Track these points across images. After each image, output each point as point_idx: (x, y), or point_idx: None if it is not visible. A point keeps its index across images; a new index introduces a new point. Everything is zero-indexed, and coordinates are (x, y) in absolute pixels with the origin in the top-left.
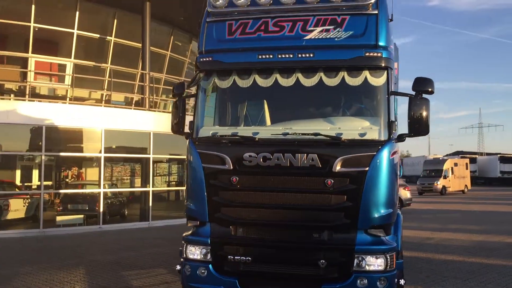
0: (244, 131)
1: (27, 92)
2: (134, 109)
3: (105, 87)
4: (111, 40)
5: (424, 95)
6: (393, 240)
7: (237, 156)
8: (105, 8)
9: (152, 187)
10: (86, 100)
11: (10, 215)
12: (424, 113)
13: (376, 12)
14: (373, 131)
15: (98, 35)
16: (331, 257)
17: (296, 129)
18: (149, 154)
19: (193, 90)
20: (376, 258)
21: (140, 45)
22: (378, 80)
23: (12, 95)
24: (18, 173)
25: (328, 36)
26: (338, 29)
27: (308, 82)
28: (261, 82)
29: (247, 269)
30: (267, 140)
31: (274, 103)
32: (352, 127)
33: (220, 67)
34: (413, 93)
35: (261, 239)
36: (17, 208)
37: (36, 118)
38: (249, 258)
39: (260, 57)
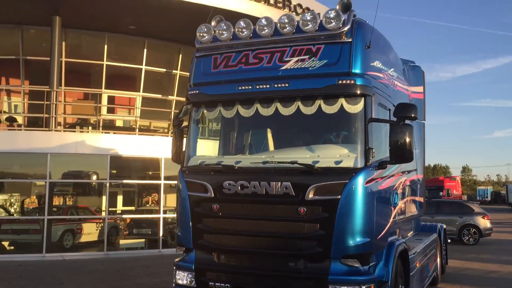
0: (229, 160)
1: (100, 125)
2: None
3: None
4: (176, 73)
5: (407, 121)
6: (382, 271)
7: (218, 184)
8: (170, 44)
9: None
10: (153, 131)
11: (83, 238)
12: (407, 140)
13: (351, 40)
14: (350, 159)
15: (165, 70)
16: (305, 286)
17: (276, 158)
18: None
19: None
20: None
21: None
22: (354, 108)
23: (90, 128)
24: (91, 199)
25: (303, 66)
26: (313, 58)
27: (286, 111)
28: (243, 112)
29: None
30: (246, 169)
31: (258, 133)
32: (330, 155)
33: (205, 99)
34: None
35: (239, 266)
36: (89, 232)
37: (102, 148)
38: (228, 285)
39: (240, 88)
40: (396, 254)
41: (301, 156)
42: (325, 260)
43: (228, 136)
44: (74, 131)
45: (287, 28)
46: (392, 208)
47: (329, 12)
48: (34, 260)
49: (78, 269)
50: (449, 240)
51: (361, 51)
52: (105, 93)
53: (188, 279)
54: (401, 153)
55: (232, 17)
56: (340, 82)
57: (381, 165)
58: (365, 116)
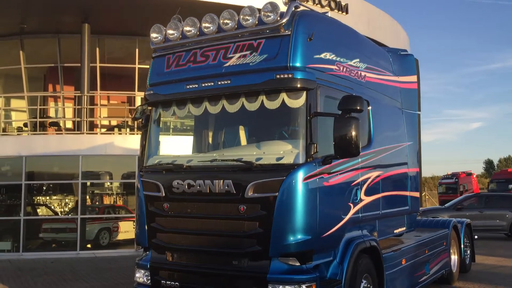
0: (183, 158)
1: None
2: None
3: None
4: None
5: (353, 114)
6: (336, 269)
7: (169, 183)
8: None
9: None
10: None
11: (120, 236)
12: (352, 133)
13: (290, 32)
14: (291, 155)
15: None
16: (247, 284)
17: (223, 156)
18: None
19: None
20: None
21: None
22: (296, 102)
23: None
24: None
25: (244, 62)
26: (254, 53)
27: (232, 108)
28: (194, 111)
29: None
30: (193, 167)
31: (212, 131)
32: (274, 151)
33: (158, 99)
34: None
35: (188, 265)
36: (126, 230)
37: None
38: (177, 284)
39: (187, 87)
40: (355, 251)
41: (249, 153)
42: (264, 259)
43: (185, 134)
44: (112, 133)
45: (229, 24)
46: (351, 204)
47: (267, 5)
48: (68, 258)
49: (103, 266)
50: (476, 236)
51: (301, 43)
52: (138, 96)
53: (145, 278)
54: (345, 148)
55: None
56: (278, 76)
57: (326, 160)
58: (308, 111)
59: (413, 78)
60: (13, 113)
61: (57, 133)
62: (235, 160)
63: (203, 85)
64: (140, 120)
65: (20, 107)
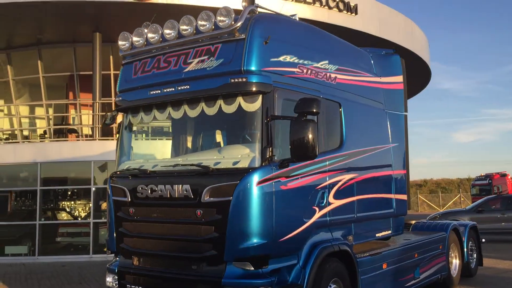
0: (149, 163)
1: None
2: None
3: None
4: None
5: (309, 116)
6: (298, 274)
7: (134, 188)
8: None
9: None
10: None
11: None
12: (309, 136)
13: (244, 36)
14: (246, 159)
15: None
16: None
17: (186, 160)
18: None
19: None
20: None
21: None
22: (252, 106)
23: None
24: None
25: (202, 67)
26: (211, 58)
27: (193, 113)
28: (159, 116)
29: None
30: (156, 173)
31: (178, 136)
32: (233, 155)
33: (125, 105)
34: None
35: (151, 270)
36: None
37: None
38: None
39: (151, 93)
40: (319, 256)
41: (210, 157)
42: (221, 263)
43: (155, 139)
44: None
45: (188, 30)
46: (316, 207)
47: (221, 9)
48: (81, 261)
49: None
50: (483, 240)
51: (256, 47)
52: None
53: (114, 283)
54: (302, 151)
55: None
56: (232, 80)
57: (283, 164)
58: (264, 114)
59: (398, 78)
60: (37, 121)
61: (76, 140)
62: (193, 165)
63: (165, 90)
64: (111, 126)
65: (40, 115)
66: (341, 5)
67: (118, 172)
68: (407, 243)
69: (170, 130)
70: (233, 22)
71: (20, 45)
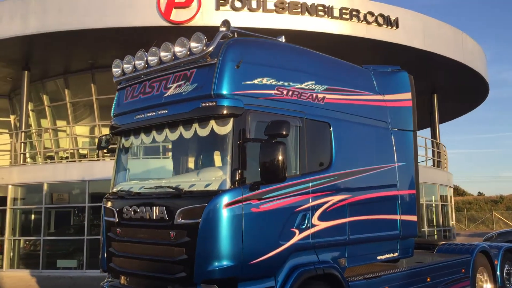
0: (136, 185)
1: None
2: None
3: None
4: None
5: (279, 139)
6: None
7: (121, 209)
8: None
9: None
10: None
11: None
12: (278, 158)
13: (215, 61)
14: (218, 181)
15: None
16: None
17: (167, 183)
18: None
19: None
20: None
21: None
22: (224, 129)
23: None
24: None
25: (179, 91)
26: (187, 83)
27: (173, 136)
28: (145, 139)
29: None
30: (141, 194)
31: (161, 158)
32: (208, 178)
33: (116, 130)
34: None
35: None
36: None
37: None
38: None
39: (136, 117)
40: (298, 279)
41: (188, 180)
42: (192, 285)
43: (143, 162)
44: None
45: (167, 56)
46: (295, 230)
47: (194, 35)
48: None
49: None
50: None
51: (227, 71)
52: None
53: None
54: (270, 173)
55: (306, 36)
56: (203, 104)
57: (253, 186)
58: (235, 137)
59: (406, 95)
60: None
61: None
62: (169, 187)
63: (147, 115)
64: (105, 149)
65: (93, 135)
66: (380, 20)
67: (111, 193)
68: (416, 266)
69: (152, 153)
70: (204, 48)
71: (75, 70)
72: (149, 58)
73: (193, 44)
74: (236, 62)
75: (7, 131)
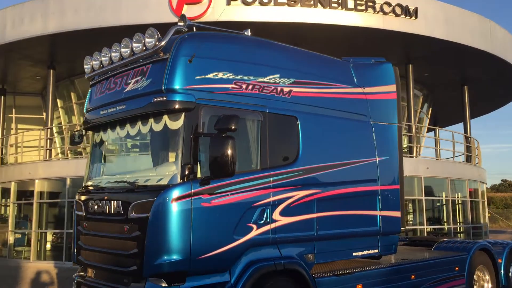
0: (104, 180)
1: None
2: None
3: None
4: None
5: (228, 133)
6: None
7: (87, 203)
8: None
9: None
10: None
11: None
12: (226, 153)
13: (168, 56)
14: (168, 176)
15: None
16: None
17: (123, 178)
18: None
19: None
20: None
21: None
22: (175, 124)
23: None
24: None
25: (136, 87)
26: (143, 78)
27: (133, 131)
28: (111, 134)
29: None
30: (103, 189)
31: (125, 153)
32: (162, 173)
33: (85, 125)
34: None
35: (97, 282)
36: None
37: None
38: None
39: (101, 113)
40: (253, 274)
41: (146, 175)
42: (143, 279)
43: (113, 157)
44: None
45: (127, 51)
46: (253, 225)
47: (148, 30)
48: None
49: None
50: None
51: (179, 66)
52: None
53: None
54: (219, 167)
55: (319, 29)
56: (155, 100)
57: (204, 181)
58: (186, 131)
59: (390, 88)
60: None
61: None
62: (125, 182)
63: (109, 110)
64: (79, 144)
65: None
66: (398, 10)
67: (82, 188)
68: (398, 263)
69: (117, 149)
70: (157, 43)
71: None
72: (112, 54)
73: (147, 40)
74: (189, 57)
75: (41, 127)
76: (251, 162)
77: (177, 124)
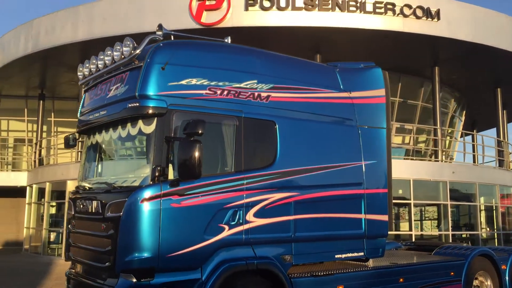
0: (90, 182)
1: None
2: None
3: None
4: (396, 101)
5: (196, 137)
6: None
7: (74, 203)
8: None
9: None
10: None
11: None
12: (193, 156)
13: (142, 64)
14: (141, 178)
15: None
16: None
17: (102, 179)
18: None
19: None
20: None
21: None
22: (148, 128)
23: None
24: None
25: (116, 93)
26: (122, 85)
27: (114, 135)
28: (98, 138)
29: None
30: (87, 190)
31: (108, 156)
32: (136, 174)
33: (78, 129)
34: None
35: (81, 276)
36: None
37: None
38: None
39: (88, 118)
40: (224, 273)
41: (124, 176)
42: (115, 275)
43: (96, 159)
44: None
45: (108, 60)
46: (224, 225)
47: (125, 39)
48: None
49: None
50: None
51: (152, 73)
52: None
53: (66, 287)
54: (187, 169)
55: (338, 33)
56: (130, 105)
57: (173, 183)
58: (158, 135)
59: (378, 92)
60: None
61: None
62: (102, 183)
63: (95, 115)
64: (73, 147)
65: None
66: (419, 12)
67: (74, 189)
68: (382, 266)
69: (103, 151)
70: (132, 51)
71: None
72: (98, 62)
73: (124, 49)
74: (162, 64)
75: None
76: (226, 165)
77: (150, 128)
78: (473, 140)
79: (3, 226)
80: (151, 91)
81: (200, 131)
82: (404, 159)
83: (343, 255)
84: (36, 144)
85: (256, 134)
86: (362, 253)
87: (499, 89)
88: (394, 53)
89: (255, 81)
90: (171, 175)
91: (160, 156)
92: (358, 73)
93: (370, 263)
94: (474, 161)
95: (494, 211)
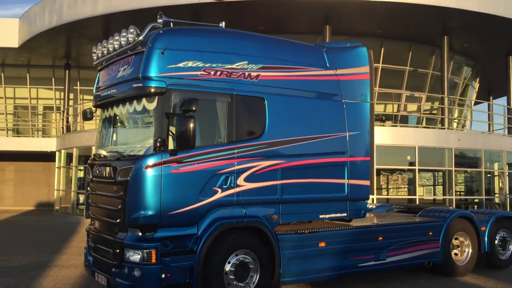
0: (103, 150)
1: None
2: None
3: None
4: (406, 69)
5: (190, 113)
6: (194, 243)
7: (92, 169)
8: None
9: None
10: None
11: None
12: (188, 129)
13: (144, 49)
14: (145, 148)
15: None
16: (116, 248)
17: (115, 148)
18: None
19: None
20: (134, 252)
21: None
22: (151, 105)
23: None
24: None
25: (123, 74)
26: (128, 67)
27: (123, 110)
28: (110, 112)
29: (93, 253)
30: (102, 157)
31: (121, 128)
32: (143, 145)
33: (94, 104)
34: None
35: (98, 230)
36: None
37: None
38: (92, 244)
39: (102, 94)
40: (216, 229)
41: (133, 146)
42: (125, 229)
43: (114, 131)
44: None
45: (117, 44)
46: (217, 188)
47: (130, 27)
48: None
49: None
50: None
51: (153, 57)
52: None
53: (86, 239)
54: (182, 141)
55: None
56: (134, 85)
57: (172, 152)
58: (159, 111)
59: (363, 69)
60: None
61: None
62: (114, 152)
63: (107, 93)
64: (90, 119)
65: None
66: None
67: (91, 157)
68: (363, 226)
69: (116, 123)
70: (136, 38)
71: None
72: (109, 46)
73: (129, 35)
74: (162, 50)
75: None
76: (219, 137)
77: (152, 105)
78: (488, 109)
79: (36, 188)
80: (153, 73)
81: (193, 108)
82: (416, 127)
83: (327, 216)
84: (63, 111)
85: (246, 109)
86: (345, 214)
87: (511, 57)
88: (404, 23)
89: (246, 62)
90: (171, 145)
91: (161, 129)
92: (344, 52)
93: (353, 223)
94: (489, 129)
95: (498, 177)
